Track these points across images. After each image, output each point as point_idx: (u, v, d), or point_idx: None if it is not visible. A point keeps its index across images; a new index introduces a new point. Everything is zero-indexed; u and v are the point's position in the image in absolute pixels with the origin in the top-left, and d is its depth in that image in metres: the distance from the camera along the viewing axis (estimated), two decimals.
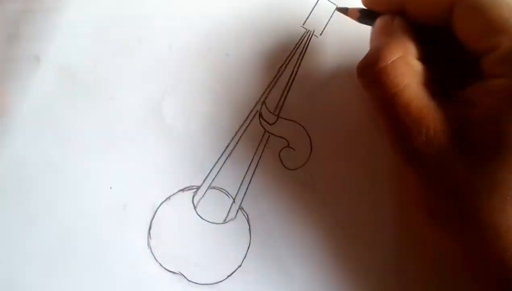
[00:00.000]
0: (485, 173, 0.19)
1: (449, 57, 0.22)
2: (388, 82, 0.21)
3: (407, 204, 0.28)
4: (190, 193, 0.28)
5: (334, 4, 0.28)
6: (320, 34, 0.28)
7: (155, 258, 0.27)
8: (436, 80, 0.22)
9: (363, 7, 0.25)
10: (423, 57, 0.22)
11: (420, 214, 0.23)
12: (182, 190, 0.28)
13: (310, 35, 0.28)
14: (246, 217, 0.28)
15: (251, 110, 0.28)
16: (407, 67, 0.21)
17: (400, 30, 0.22)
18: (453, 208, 0.21)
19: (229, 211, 0.28)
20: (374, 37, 0.24)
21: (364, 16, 0.25)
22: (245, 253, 0.27)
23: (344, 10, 0.27)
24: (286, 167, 0.28)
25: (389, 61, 0.21)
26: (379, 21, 0.24)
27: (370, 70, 0.22)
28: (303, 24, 0.28)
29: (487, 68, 0.21)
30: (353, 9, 0.26)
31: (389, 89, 0.21)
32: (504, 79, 0.20)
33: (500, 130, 0.19)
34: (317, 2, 0.28)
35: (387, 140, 0.23)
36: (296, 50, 0.28)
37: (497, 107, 0.20)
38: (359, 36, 0.28)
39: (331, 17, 0.28)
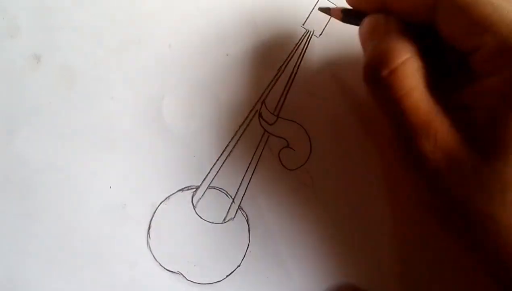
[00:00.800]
0: (493, 176, 0.19)
1: (438, 56, 0.22)
2: (397, 86, 0.21)
3: (406, 204, 0.28)
4: (190, 192, 0.28)
5: (334, 4, 0.28)
6: (320, 34, 0.28)
7: (154, 257, 0.27)
8: (436, 83, 0.21)
9: (346, 6, 0.25)
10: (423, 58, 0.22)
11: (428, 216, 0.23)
12: (182, 189, 0.28)
13: (310, 35, 0.28)
14: (246, 217, 0.28)
15: (251, 110, 0.28)
16: (415, 69, 0.21)
17: (397, 30, 0.22)
18: (463, 214, 0.20)
19: (228, 211, 0.28)
20: (366, 37, 0.23)
21: (348, 15, 0.25)
22: (244, 252, 0.27)
23: (327, 10, 0.26)
24: (285, 167, 0.28)
25: (398, 64, 0.21)
26: (369, 21, 0.23)
27: (378, 74, 0.21)
28: (303, 24, 0.28)
29: (476, 67, 0.20)
30: (335, 9, 0.25)
31: (398, 92, 0.21)
32: (494, 78, 0.20)
33: (501, 132, 0.19)
34: (317, 2, 0.28)
35: (390, 146, 0.22)
36: (296, 50, 0.28)
37: (493, 108, 0.19)
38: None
39: (331, 17, 0.28)
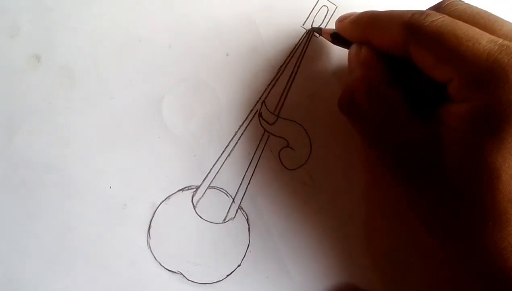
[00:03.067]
0: (464, 191, 0.20)
1: (418, 79, 0.23)
2: (365, 116, 0.23)
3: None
4: (190, 192, 0.28)
5: (334, 4, 0.28)
6: (320, 35, 0.28)
7: (154, 257, 0.27)
8: (411, 102, 0.23)
9: (335, 30, 0.26)
10: (393, 83, 0.23)
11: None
12: (182, 189, 0.28)
13: (310, 35, 0.28)
14: (246, 216, 0.28)
15: (251, 110, 0.28)
16: (379, 96, 0.23)
17: (367, 59, 0.24)
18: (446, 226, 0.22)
19: (228, 211, 0.28)
20: (348, 64, 0.26)
21: (335, 39, 0.27)
22: (245, 252, 0.27)
23: (318, 30, 0.28)
24: (285, 167, 0.28)
25: (361, 95, 0.23)
26: (351, 49, 0.25)
27: (348, 105, 0.24)
28: (303, 24, 0.28)
29: (451, 93, 0.21)
30: (326, 31, 0.27)
31: (366, 119, 0.23)
32: (465, 104, 0.20)
33: (467, 153, 0.20)
34: (317, 2, 0.28)
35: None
36: (296, 50, 0.28)
37: (463, 130, 0.20)
38: None
39: (331, 17, 0.28)
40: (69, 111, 0.28)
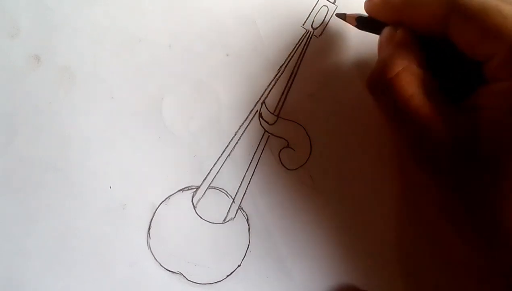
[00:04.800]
0: (500, 175, 0.20)
1: (454, 63, 0.23)
2: (395, 93, 0.22)
3: (407, 204, 0.28)
4: (190, 192, 0.28)
5: (334, 4, 0.28)
6: (320, 35, 0.28)
7: (154, 257, 0.27)
8: (443, 87, 0.22)
9: (361, 14, 0.26)
10: (427, 65, 0.23)
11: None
12: (182, 189, 0.28)
13: (310, 35, 0.28)
14: (246, 217, 0.28)
15: (251, 110, 0.28)
16: (411, 77, 0.22)
17: (402, 40, 0.23)
18: (468, 214, 0.21)
19: (228, 211, 0.28)
20: (380, 47, 0.25)
21: (361, 23, 0.26)
22: (245, 252, 0.27)
23: (343, 16, 0.27)
24: (285, 167, 0.28)
25: (394, 73, 0.22)
26: (384, 32, 0.24)
27: (378, 83, 0.23)
28: (303, 24, 0.28)
29: (489, 73, 0.21)
30: (350, 16, 0.27)
31: (397, 99, 0.22)
32: (506, 82, 0.20)
33: (507, 132, 0.20)
34: (317, 2, 0.28)
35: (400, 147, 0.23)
36: (296, 50, 0.28)
37: (504, 108, 0.20)
38: (358, 36, 0.28)
39: (331, 17, 0.28)
40: (69, 111, 0.28)
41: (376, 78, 0.23)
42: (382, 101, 0.23)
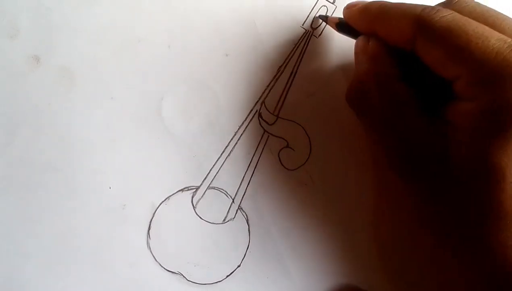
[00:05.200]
0: (470, 192, 0.20)
1: (427, 75, 0.23)
2: (371, 107, 0.23)
3: (407, 204, 0.28)
4: (190, 193, 0.28)
5: (334, 4, 0.28)
6: (320, 34, 0.28)
7: (154, 258, 0.27)
8: (419, 97, 0.23)
9: (342, 18, 0.26)
10: (401, 77, 0.23)
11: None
12: (182, 190, 0.28)
13: (310, 35, 0.28)
14: (245, 217, 0.28)
15: (251, 111, 0.28)
16: (386, 92, 0.23)
17: (375, 52, 0.24)
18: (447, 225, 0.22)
19: (228, 211, 0.28)
20: (356, 56, 0.25)
21: (341, 28, 0.26)
22: (244, 253, 0.27)
23: (324, 18, 0.28)
24: (285, 167, 0.28)
25: (369, 88, 0.23)
26: (358, 41, 0.25)
27: (354, 98, 0.24)
28: (303, 24, 0.28)
29: (458, 91, 0.21)
30: (332, 18, 0.27)
31: (373, 113, 0.23)
32: (473, 103, 0.20)
33: (475, 152, 0.20)
34: (316, 2, 0.28)
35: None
36: (295, 51, 0.28)
37: (469, 130, 0.20)
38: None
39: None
40: (69, 111, 0.28)
41: (353, 95, 0.24)
42: (360, 115, 0.24)
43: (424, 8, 0.22)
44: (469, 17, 0.21)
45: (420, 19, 0.21)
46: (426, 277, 0.28)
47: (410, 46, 0.22)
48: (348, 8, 0.25)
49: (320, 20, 0.28)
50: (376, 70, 0.23)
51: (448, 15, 0.21)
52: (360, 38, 0.25)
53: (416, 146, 0.22)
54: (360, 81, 0.24)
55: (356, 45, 0.25)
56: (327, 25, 0.28)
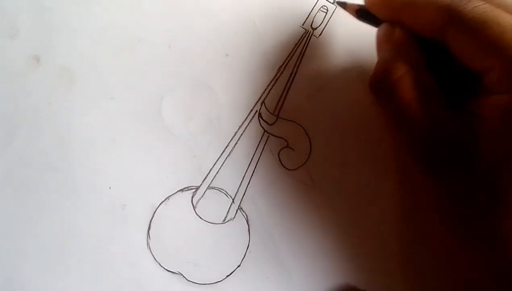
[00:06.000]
0: (497, 186, 0.20)
1: (454, 67, 0.22)
2: (396, 97, 0.22)
3: (407, 204, 0.28)
4: (190, 193, 0.28)
5: (334, 4, 0.28)
6: (320, 34, 0.28)
7: (154, 258, 0.27)
8: (444, 89, 0.22)
9: (362, 5, 0.26)
10: (428, 66, 0.22)
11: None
12: (182, 190, 0.28)
13: (310, 35, 0.28)
14: (245, 217, 0.28)
15: (251, 111, 0.28)
16: (412, 82, 0.22)
17: (401, 41, 0.23)
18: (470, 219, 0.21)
19: (228, 211, 0.28)
20: (378, 44, 0.25)
21: (362, 15, 0.26)
22: (244, 253, 0.27)
23: (344, 4, 0.27)
24: (285, 167, 0.28)
25: (395, 78, 0.22)
26: (381, 30, 0.24)
27: (380, 87, 0.23)
28: (303, 24, 0.28)
29: (488, 85, 0.21)
30: (352, 5, 0.26)
31: (398, 103, 0.22)
32: (505, 95, 0.20)
33: (506, 146, 0.19)
34: (316, 2, 0.28)
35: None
36: (295, 51, 0.28)
37: (503, 122, 0.20)
38: (358, 36, 0.28)
39: (330, 17, 0.28)
40: (69, 111, 0.28)
41: (378, 82, 0.23)
42: (384, 103, 0.23)
43: None
44: (501, 9, 0.20)
45: (451, 9, 0.21)
46: (427, 278, 0.28)
47: (438, 36, 0.22)
48: None
49: (321, 20, 0.28)
50: (402, 58, 0.22)
51: (481, 5, 0.20)
52: (384, 25, 0.24)
53: (442, 138, 0.21)
54: (384, 69, 0.23)
55: (379, 34, 0.24)
56: (327, 25, 0.28)
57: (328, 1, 0.28)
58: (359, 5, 0.26)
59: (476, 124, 0.21)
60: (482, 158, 0.20)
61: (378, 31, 0.25)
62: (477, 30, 0.20)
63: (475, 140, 0.20)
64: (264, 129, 0.28)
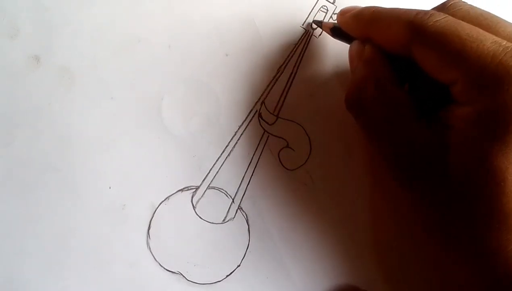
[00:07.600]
0: (467, 197, 0.20)
1: (425, 78, 0.23)
2: (369, 114, 0.23)
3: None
4: (189, 193, 0.28)
5: (334, 4, 0.28)
6: (320, 34, 0.28)
7: (154, 258, 0.27)
8: (416, 100, 0.23)
9: (336, 24, 0.26)
10: (398, 82, 0.23)
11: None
12: (181, 190, 0.28)
13: (310, 35, 0.28)
14: (245, 217, 0.28)
15: (251, 111, 0.28)
16: (384, 97, 0.23)
17: (371, 57, 0.23)
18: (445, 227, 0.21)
19: (228, 211, 0.28)
20: (351, 61, 0.25)
21: (336, 33, 0.27)
22: (244, 252, 0.27)
23: (319, 23, 0.28)
24: (285, 167, 0.28)
25: (366, 95, 0.23)
26: (353, 46, 0.25)
27: (353, 104, 0.24)
28: (303, 25, 0.28)
29: (455, 95, 0.21)
30: (326, 24, 0.27)
31: (371, 118, 0.23)
32: (469, 107, 0.20)
33: (471, 158, 0.20)
34: (316, 2, 0.28)
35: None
36: (295, 51, 0.28)
37: (467, 133, 0.20)
38: None
39: (330, 17, 0.28)
40: (69, 112, 0.28)
41: (351, 99, 0.24)
42: (358, 119, 0.24)
43: (418, 12, 0.22)
44: (464, 21, 0.21)
45: (414, 24, 0.21)
46: (426, 278, 0.28)
47: (404, 51, 0.22)
48: (342, 14, 0.25)
49: (321, 20, 0.28)
50: (372, 75, 0.23)
51: (442, 19, 0.21)
52: (354, 43, 0.25)
53: (414, 150, 0.22)
54: (357, 87, 0.23)
55: (351, 50, 0.25)
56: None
57: (328, 1, 0.28)
58: (333, 23, 0.27)
59: (447, 135, 0.21)
60: (453, 167, 0.20)
61: (350, 48, 0.25)
62: (438, 44, 0.20)
63: (447, 150, 0.21)
64: (264, 129, 0.28)
